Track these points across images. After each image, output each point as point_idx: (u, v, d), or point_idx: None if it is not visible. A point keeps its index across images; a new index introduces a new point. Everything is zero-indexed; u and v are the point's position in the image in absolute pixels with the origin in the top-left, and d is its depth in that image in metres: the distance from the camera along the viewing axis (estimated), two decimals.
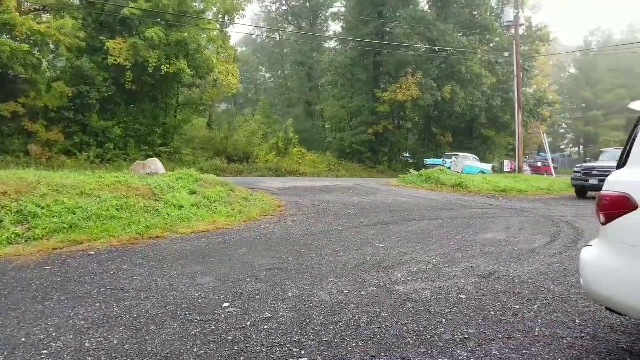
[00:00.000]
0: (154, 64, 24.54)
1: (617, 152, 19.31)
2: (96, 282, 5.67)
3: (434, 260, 6.94)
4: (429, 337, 4.01)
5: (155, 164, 14.19)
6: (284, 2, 55.79)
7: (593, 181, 17.05)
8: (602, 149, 23.67)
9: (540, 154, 60.64)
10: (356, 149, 37.58)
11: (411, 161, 42.68)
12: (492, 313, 4.61)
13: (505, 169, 36.60)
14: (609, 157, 18.40)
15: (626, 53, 61.19)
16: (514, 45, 27.66)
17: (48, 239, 7.98)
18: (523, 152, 28.57)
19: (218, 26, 29.92)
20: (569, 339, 3.98)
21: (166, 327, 4.20)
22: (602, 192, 3.41)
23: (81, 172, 13.96)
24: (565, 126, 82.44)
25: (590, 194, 18.23)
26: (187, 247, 8.06)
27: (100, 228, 8.93)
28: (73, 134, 24.90)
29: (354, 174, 33.70)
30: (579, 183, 17.89)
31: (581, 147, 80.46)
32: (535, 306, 4.83)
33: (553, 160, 54.63)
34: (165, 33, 24.90)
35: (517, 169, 27.51)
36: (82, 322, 4.31)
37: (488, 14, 36.98)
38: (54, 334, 4.04)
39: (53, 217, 8.84)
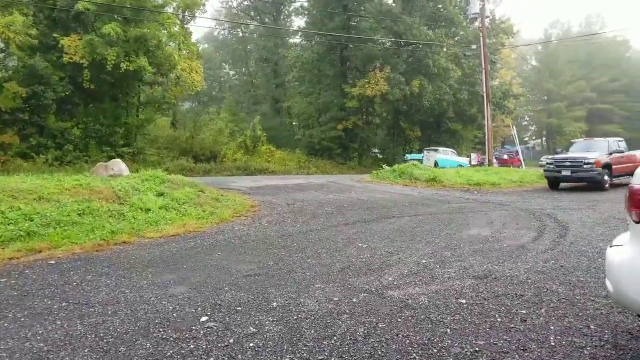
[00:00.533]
0: (113, 62, 23.36)
1: (587, 143, 19.51)
2: (57, 296, 5.11)
3: (424, 261, 6.55)
4: (435, 351, 3.60)
5: (119, 165, 13.44)
6: None
7: (566, 172, 17.04)
8: (572, 140, 23.80)
9: (505, 146, 61.38)
10: (326, 145, 37.11)
11: (380, 156, 42.62)
12: (499, 320, 4.22)
13: (473, 162, 36.75)
14: (579, 148, 18.48)
15: (584, 45, 62.51)
16: (481, 38, 27.60)
17: (3, 248, 7.38)
18: (491, 146, 28.53)
19: (178, 21, 28.71)
20: (588, 348, 3.61)
21: (138, 348, 3.69)
22: (635, 186, 3.01)
23: (38, 175, 13.14)
24: (527, 118, 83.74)
25: (562, 185, 18.27)
26: (156, 252, 7.51)
27: (60, 235, 8.34)
28: (29, 136, 23.57)
29: (324, 170, 33.27)
30: (552, 174, 17.82)
31: (543, 138, 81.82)
32: (543, 310, 4.46)
33: (510, 152, 55.33)
34: (123, 29, 23.78)
35: (487, 162, 27.54)
36: (41, 344, 3.78)
37: (452, 6, 36.86)
38: None
39: (8, 224, 8.22)
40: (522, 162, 35.73)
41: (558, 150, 20.91)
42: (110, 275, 6.00)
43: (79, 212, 9.52)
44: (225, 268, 6.33)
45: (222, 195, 13.45)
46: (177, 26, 27.47)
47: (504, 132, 55.80)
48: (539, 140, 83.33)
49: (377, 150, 44.28)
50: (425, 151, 31.31)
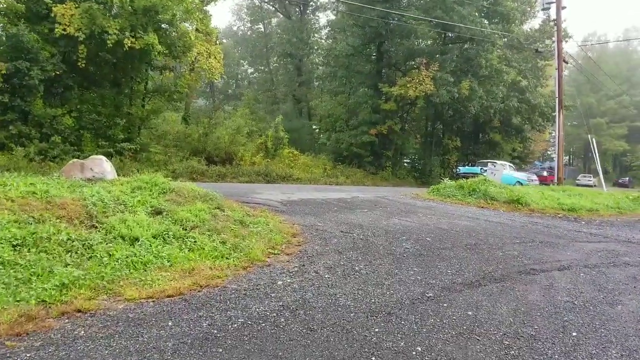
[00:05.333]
0: (115, 36, 18.98)
1: None
2: None
3: None
4: None
5: (100, 165, 9.21)
6: None
7: None
8: None
9: (536, 162, 57.05)
10: (355, 151, 32.53)
11: (410, 166, 38.40)
12: None
13: None
14: None
15: (624, 60, 58.33)
16: (555, 32, 23.08)
17: None
18: (562, 161, 24.01)
19: None
20: None
21: None
22: None
23: None
24: (554, 133, 79.01)
25: None
26: (132, 354, 3.43)
27: None
28: (9, 122, 19.14)
29: (355, 180, 28.88)
30: None
31: (571, 156, 77.35)
32: None
33: (550, 168, 51.01)
34: None
35: (557, 180, 23.10)
36: None
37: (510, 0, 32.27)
38: None
39: None
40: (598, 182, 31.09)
41: None
42: None
43: (14, 243, 5.53)
44: None
45: (247, 214, 9.26)
46: (196, 4, 22.98)
47: (542, 147, 51.52)
48: (567, 158, 78.43)
49: (407, 160, 39.90)
50: (490, 164, 26.89)
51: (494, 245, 8.52)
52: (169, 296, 4.97)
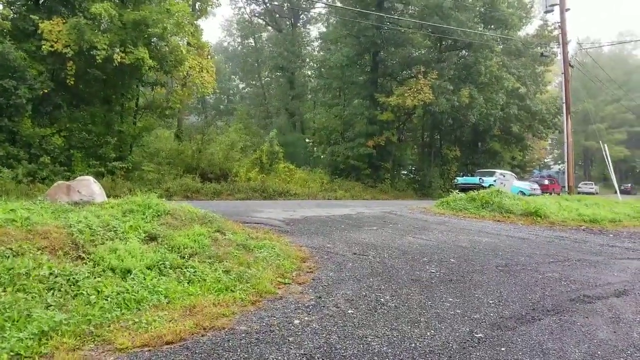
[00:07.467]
0: (104, 52, 18.14)
1: None
2: None
3: None
4: None
5: (88, 186, 8.31)
6: (259, 2, 49.80)
7: None
8: None
9: (535, 171, 56.59)
10: (352, 164, 31.85)
11: (407, 178, 37.65)
12: None
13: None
14: None
15: (621, 64, 58.11)
16: (560, 35, 22.53)
17: None
18: (573, 168, 23.32)
19: (189, 8, 23.20)
20: None
21: None
22: None
23: None
24: (549, 141, 78.68)
25: None
26: None
27: None
28: None
29: (354, 194, 28.06)
30: None
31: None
32: None
33: (550, 177, 50.61)
34: (118, 11, 18.77)
35: (567, 189, 22.32)
36: None
37: (505, 5, 31.76)
38: None
39: None
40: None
41: None
42: None
43: None
44: None
45: (250, 236, 8.41)
46: (187, 16, 22.10)
47: (541, 154, 50.97)
48: (561, 166, 77.92)
49: (405, 172, 39.18)
50: (499, 174, 26.09)
51: (528, 266, 7.74)
52: (167, 343, 4.17)
